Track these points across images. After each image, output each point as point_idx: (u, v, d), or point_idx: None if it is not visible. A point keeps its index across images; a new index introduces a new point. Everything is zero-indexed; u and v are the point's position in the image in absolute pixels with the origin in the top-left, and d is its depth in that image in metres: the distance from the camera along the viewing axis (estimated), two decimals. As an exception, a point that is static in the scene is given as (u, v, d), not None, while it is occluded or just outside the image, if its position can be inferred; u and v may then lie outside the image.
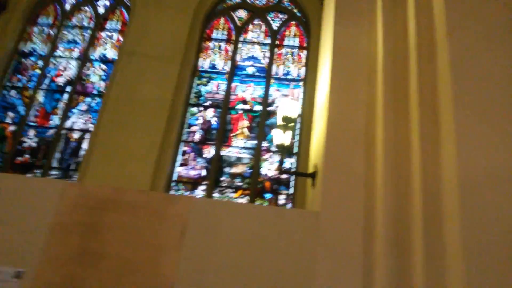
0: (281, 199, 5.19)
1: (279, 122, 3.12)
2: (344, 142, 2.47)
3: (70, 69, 6.19)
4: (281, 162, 3.70)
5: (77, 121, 5.86)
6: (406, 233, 2.19)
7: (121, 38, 6.38)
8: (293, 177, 5.25)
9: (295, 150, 5.38)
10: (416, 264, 2.08)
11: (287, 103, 3.06)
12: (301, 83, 5.89)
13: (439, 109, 2.24)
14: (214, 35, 6.39)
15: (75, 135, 5.75)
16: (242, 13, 6.55)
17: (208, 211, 2.32)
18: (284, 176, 5.25)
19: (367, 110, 2.60)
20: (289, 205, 5.12)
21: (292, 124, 3.09)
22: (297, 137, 5.39)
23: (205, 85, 5.99)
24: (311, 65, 5.77)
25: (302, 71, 5.98)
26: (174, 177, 5.43)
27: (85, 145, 5.65)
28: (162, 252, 2.21)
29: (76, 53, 6.34)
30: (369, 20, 2.90)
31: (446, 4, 2.28)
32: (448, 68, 2.24)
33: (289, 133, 3.21)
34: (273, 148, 5.42)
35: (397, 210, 2.30)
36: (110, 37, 6.46)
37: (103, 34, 6.50)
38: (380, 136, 2.45)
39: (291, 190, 5.21)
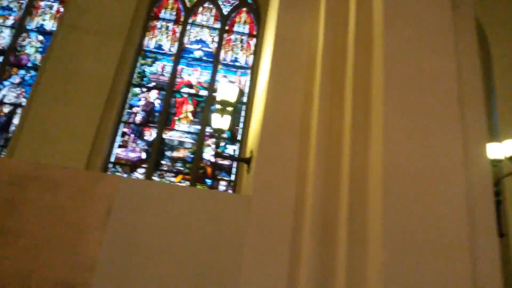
0: (222, 186, 5.19)
1: (217, 106, 3.09)
2: (279, 129, 2.48)
3: (3, 38, 5.74)
4: (217, 146, 3.67)
5: (8, 94, 5.47)
6: (333, 220, 2.26)
7: (61, 9, 6.01)
8: (235, 164, 5.25)
9: (239, 137, 5.38)
10: (340, 249, 2.14)
11: (225, 87, 3.03)
12: (248, 71, 5.88)
13: (371, 103, 2.31)
14: (162, 15, 6.19)
15: (6, 109, 5.37)
16: (192, -5, 6.41)
17: (136, 191, 2.25)
18: (226, 162, 5.24)
19: (304, 99, 2.62)
20: (230, 192, 5.13)
21: (230, 109, 3.07)
22: (241, 125, 5.39)
23: (150, 65, 5.80)
24: (260, 53, 5.77)
25: (250, 59, 5.96)
26: (112, 159, 5.24)
27: (16, 120, 5.29)
28: (85, 231, 2.12)
29: (10, 21, 5.88)
30: (312, 9, 2.93)
31: (384, 2, 2.35)
32: (382, 64, 2.31)
33: (227, 118, 3.19)
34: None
35: (325, 198, 2.36)
36: (50, 8, 6.06)
37: (42, 3, 6.08)
38: (314, 126, 2.49)
39: (233, 177, 5.21)
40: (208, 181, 5.21)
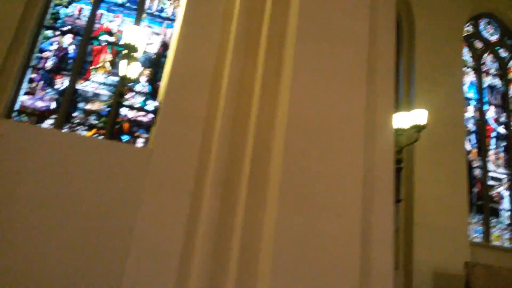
0: (139, 142, 4.95)
1: (124, 50, 2.84)
2: (189, 81, 2.34)
3: None
4: (120, 95, 3.40)
5: None
6: (235, 177, 2.20)
7: None
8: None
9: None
10: (239, 207, 2.10)
11: (131, 30, 2.77)
12: (174, 24, 5.55)
13: (282, 61, 2.23)
14: (83, -50, 5.57)
15: None
16: None
17: (22, 136, 2.00)
18: (145, 119, 4.98)
19: (218, 53, 2.49)
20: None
21: (137, 55, 2.82)
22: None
23: (66, 7, 5.25)
24: (189, 6, 5.45)
25: (178, 11, 5.62)
26: (17, 106, 4.75)
27: None
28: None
29: None
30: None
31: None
32: (295, 23, 2.23)
33: (136, 65, 2.94)
34: (136, 88, 5.07)
35: (230, 155, 2.28)
36: None
37: None
38: (226, 81, 2.38)
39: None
40: (125, 137, 4.93)
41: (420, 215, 6.12)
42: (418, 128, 3.78)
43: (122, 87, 3.27)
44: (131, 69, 2.91)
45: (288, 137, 1.90)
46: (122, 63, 2.99)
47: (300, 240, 1.81)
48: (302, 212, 1.80)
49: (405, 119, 3.85)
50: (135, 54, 2.77)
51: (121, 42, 2.80)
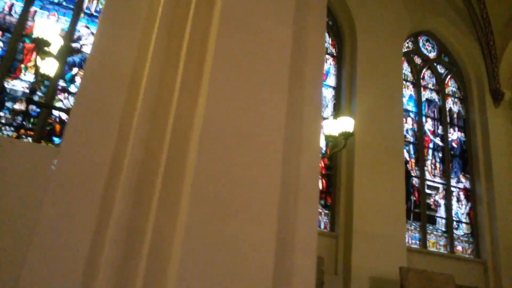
0: (72, 145, 4.75)
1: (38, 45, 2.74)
2: (105, 81, 2.28)
3: None
4: (32, 92, 3.25)
5: None
6: (149, 181, 2.15)
7: None
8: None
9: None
10: (151, 210, 2.04)
11: (43, 23, 2.67)
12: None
13: (203, 64, 2.24)
14: None
15: None
16: None
17: None
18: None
19: (138, 51, 2.45)
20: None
21: (49, 50, 2.73)
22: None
23: (-4, 3, 5.03)
24: (130, 9, 5.38)
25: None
26: None
27: None
28: None
29: None
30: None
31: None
32: (217, 25, 2.23)
33: (52, 62, 2.83)
34: (71, 89, 4.90)
35: (145, 157, 2.23)
36: None
37: None
38: (144, 82, 2.34)
39: (85, 137, 4.82)
40: (56, 139, 4.74)
41: (359, 222, 6.26)
42: (345, 135, 3.88)
43: (37, 84, 3.14)
44: (46, 65, 2.79)
45: (202, 141, 1.89)
46: (38, 59, 2.88)
47: (211, 246, 1.78)
48: (215, 217, 1.78)
49: (334, 127, 3.95)
50: (50, 49, 2.66)
51: (33, 36, 2.70)
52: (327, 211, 6.52)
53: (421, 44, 8.45)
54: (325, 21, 3.25)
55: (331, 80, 7.32)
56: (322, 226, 6.41)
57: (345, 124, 3.90)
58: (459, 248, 7.40)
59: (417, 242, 7.05)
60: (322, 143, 4.35)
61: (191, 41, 2.30)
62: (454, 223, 7.50)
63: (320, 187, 6.62)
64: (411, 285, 5.62)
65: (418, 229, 7.13)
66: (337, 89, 7.25)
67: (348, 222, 6.30)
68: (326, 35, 7.59)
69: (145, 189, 2.13)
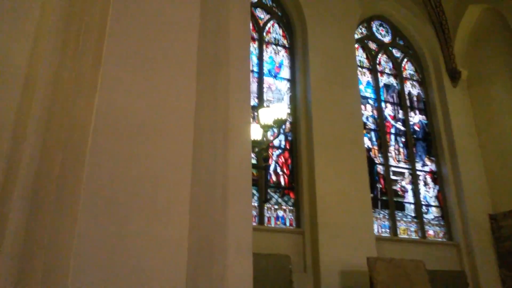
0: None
1: None
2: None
3: None
4: None
5: None
6: (45, 183, 1.85)
7: None
8: None
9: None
10: (47, 216, 1.74)
11: None
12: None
13: (100, 52, 1.94)
14: None
15: None
16: None
17: None
18: None
19: (34, 44, 2.16)
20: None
21: None
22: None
23: None
24: None
25: None
26: None
27: None
28: None
29: None
30: None
31: None
32: (110, 10, 1.96)
33: None
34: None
35: (42, 159, 1.93)
36: None
37: None
38: (40, 76, 2.04)
39: None
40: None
41: (324, 215, 6.02)
42: (278, 123, 3.64)
43: None
44: None
45: (95, 136, 1.62)
46: None
47: (109, 248, 1.49)
48: (113, 217, 1.51)
49: (268, 115, 3.70)
50: None
51: None
52: (291, 207, 6.26)
53: (374, 29, 8.34)
54: (249, 8, 2.97)
55: (285, 72, 7.10)
56: (288, 223, 6.15)
57: (279, 111, 3.65)
58: (431, 232, 7.25)
59: (387, 230, 6.86)
60: (259, 133, 4.10)
61: (87, 35, 2.02)
62: (424, 207, 7.36)
63: (282, 183, 6.37)
64: (379, 275, 5.40)
65: (387, 217, 6.95)
66: (292, 81, 7.03)
67: (313, 217, 6.06)
68: (277, 26, 7.38)
69: (42, 192, 1.83)
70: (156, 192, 1.66)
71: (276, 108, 3.70)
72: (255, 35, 7.09)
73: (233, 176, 2.19)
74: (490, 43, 7.98)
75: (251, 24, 7.13)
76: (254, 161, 5.99)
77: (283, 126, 6.46)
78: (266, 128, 3.78)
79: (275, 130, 4.08)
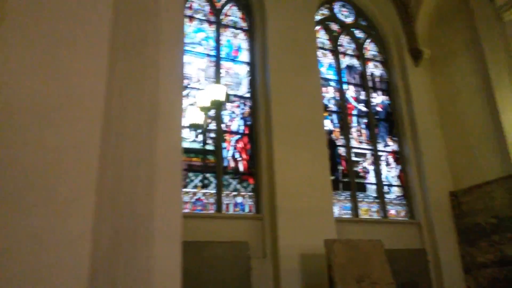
0: None
1: None
2: None
3: None
4: None
5: None
6: None
7: None
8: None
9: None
10: None
11: None
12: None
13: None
14: None
15: None
16: None
17: None
18: None
19: None
20: None
21: None
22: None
23: None
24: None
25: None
26: None
27: None
28: None
29: None
30: None
31: None
32: None
33: None
34: None
35: None
36: None
37: None
38: None
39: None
40: None
41: (283, 199, 6.01)
42: (216, 104, 3.53)
43: None
44: None
45: None
46: None
47: (5, 246, 1.40)
48: (8, 213, 1.41)
49: (207, 97, 3.58)
50: None
51: None
52: (251, 193, 6.23)
53: (336, 10, 8.23)
54: None
55: (244, 56, 6.96)
56: (247, 209, 6.13)
57: (216, 92, 3.53)
58: (392, 212, 7.35)
59: (349, 212, 6.92)
60: (199, 116, 3.99)
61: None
62: (386, 187, 7.43)
63: (241, 168, 6.32)
64: (337, 257, 5.45)
65: (348, 198, 7.00)
66: (251, 64, 6.91)
67: (272, 202, 6.04)
68: (236, 8, 7.20)
69: None
70: (56, 184, 1.55)
71: (213, 89, 3.58)
72: (212, 18, 6.91)
73: (162, 165, 2.06)
74: (452, 22, 7.98)
75: (208, 7, 6.94)
76: (197, 145, 5.93)
77: (224, 108, 6.37)
78: (204, 110, 3.67)
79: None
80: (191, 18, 6.71)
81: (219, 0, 7.07)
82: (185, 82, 6.05)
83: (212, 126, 6.20)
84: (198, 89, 5.89)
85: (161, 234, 1.97)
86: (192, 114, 4.03)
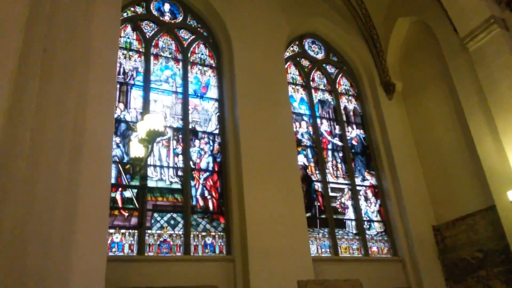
0: None
1: None
2: None
3: None
4: None
5: None
6: None
7: None
8: None
9: None
10: None
11: None
12: None
13: None
14: None
15: None
16: None
17: None
18: None
19: None
20: None
21: None
22: None
23: None
24: None
25: None
26: None
27: None
28: None
29: None
30: None
31: None
32: None
33: None
34: None
35: None
36: None
37: None
38: None
39: None
40: None
41: (255, 240, 5.66)
42: (152, 135, 3.30)
43: None
44: None
45: None
46: None
47: None
48: None
49: (144, 128, 3.35)
50: None
51: None
52: (221, 233, 5.88)
53: (307, 47, 8.27)
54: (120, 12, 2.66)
55: (213, 93, 6.85)
56: (218, 250, 5.75)
57: (153, 122, 3.31)
58: (374, 249, 7.00)
59: (328, 250, 6.56)
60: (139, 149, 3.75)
61: None
62: (366, 223, 7.13)
63: (211, 207, 6.00)
64: (312, 300, 5.04)
65: (327, 235, 6.66)
66: (220, 101, 6.78)
67: (243, 242, 5.68)
68: (203, 46, 7.17)
69: None
70: None
71: (150, 119, 3.36)
72: (179, 56, 6.84)
73: (85, 201, 1.86)
74: (421, 54, 8.04)
75: (174, 45, 6.89)
76: (163, 184, 5.62)
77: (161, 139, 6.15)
78: (142, 142, 3.43)
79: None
80: (157, 56, 6.63)
81: (186, 39, 7.05)
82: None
83: (180, 163, 5.95)
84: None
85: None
86: (134, 147, 3.79)
